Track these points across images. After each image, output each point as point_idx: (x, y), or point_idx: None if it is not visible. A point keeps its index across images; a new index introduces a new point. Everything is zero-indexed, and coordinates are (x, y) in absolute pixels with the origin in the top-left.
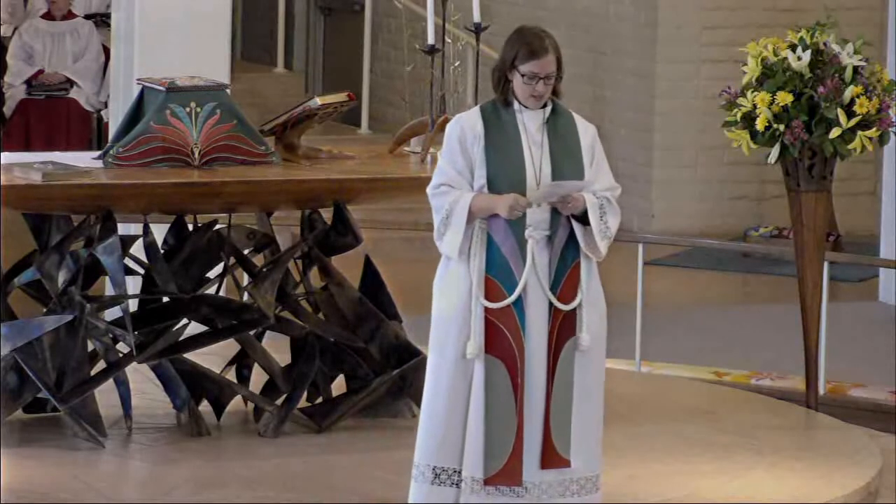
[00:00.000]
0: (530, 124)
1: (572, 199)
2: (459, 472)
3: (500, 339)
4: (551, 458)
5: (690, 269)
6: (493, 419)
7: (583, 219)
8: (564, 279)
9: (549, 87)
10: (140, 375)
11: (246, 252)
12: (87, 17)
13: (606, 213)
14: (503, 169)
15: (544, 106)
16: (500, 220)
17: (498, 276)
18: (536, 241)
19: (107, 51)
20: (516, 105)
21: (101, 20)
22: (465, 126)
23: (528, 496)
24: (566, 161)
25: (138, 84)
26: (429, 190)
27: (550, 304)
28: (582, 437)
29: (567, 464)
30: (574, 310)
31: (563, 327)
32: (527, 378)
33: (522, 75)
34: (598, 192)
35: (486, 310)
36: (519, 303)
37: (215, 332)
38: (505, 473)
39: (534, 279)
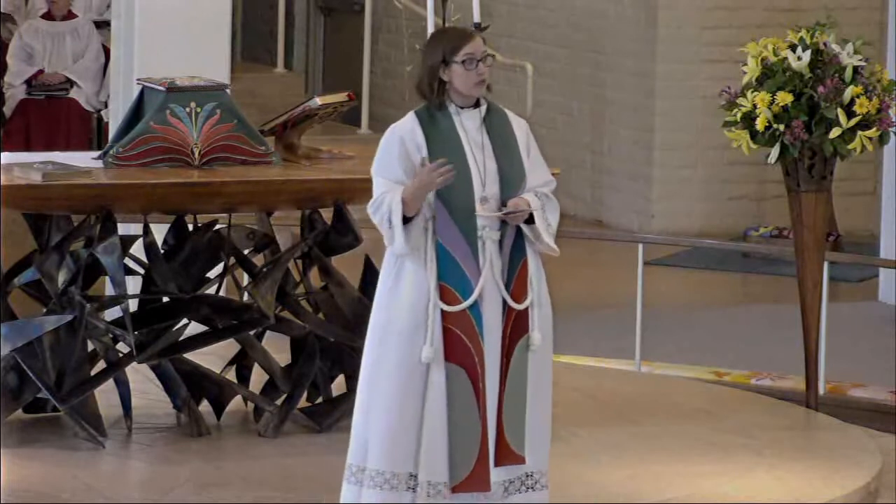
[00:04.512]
0: (469, 125)
1: (517, 209)
2: (415, 477)
3: (459, 345)
4: (505, 455)
5: (690, 269)
6: (457, 427)
7: (527, 219)
8: (515, 278)
9: (488, 69)
10: (140, 375)
11: (246, 252)
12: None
13: (547, 210)
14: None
15: (478, 105)
16: (451, 226)
17: (452, 282)
18: (493, 241)
19: (107, 51)
20: (452, 108)
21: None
22: (405, 136)
23: (485, 496)
24: (508, 159)
25: (138, 84)
26: (369, 207)
27: (504, 303)
28: (534, 434)
29: (522, 460)
30: (526, 309)
31: (515, 326)
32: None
33: (462, 62)
34: (537, 189)
35: (443, 315)
36: (475, 306)
37: (215, 332)
38: (473, 480)
39: (490, 280)
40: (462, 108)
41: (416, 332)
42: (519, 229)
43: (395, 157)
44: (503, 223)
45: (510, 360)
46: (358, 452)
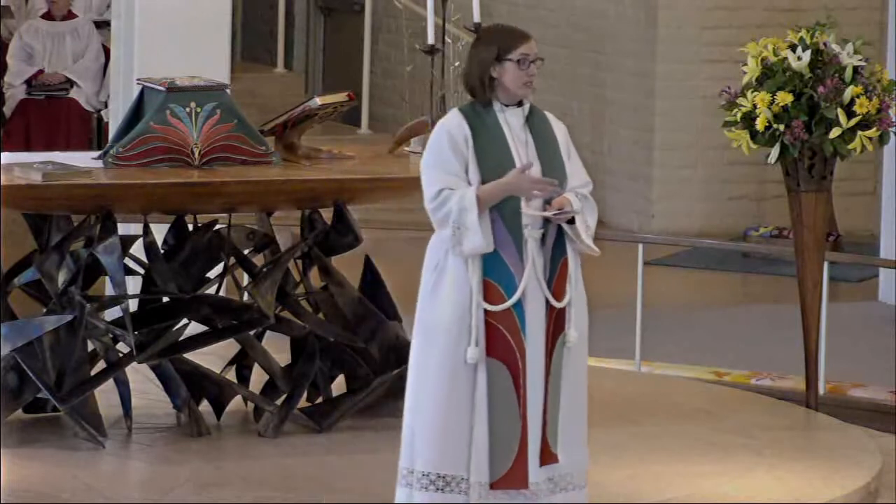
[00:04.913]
0: (513, 122)
1: (562, 209)
2: (466, 480)
3: (501, 341)
4: (549, 455)
5: (690, 269)
6: (498, 422)
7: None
8: (556, 276)
9: (538, 70)
10: (140, 375)
11: (246, 252)
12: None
13: (585, 211)
14: (495, 170)
15: (520, 104)
16: (498, 223)
17: (497, 279)
18: (535, 239)
19: (107, 51)
20: (496, 105)
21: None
22: (453, 130)
23: (531, 496)
24: (550, 159)
25: (138, 84)
26: (428, 203)
27: (546, 301)
28: (571, 433)
29: (556, 459)
30: (565, 307)
31: (556, 324)
32: (528, 377)
33: (517, 61)
34: (577, 189)
35: (486, 313)
36: (519, 304)
37: (215, 332)
38: (510, 476)
39: (533, 278)
40: (506, 105)
41: (459, 332)
42: (560, 228)
43: (446, 148)
44: (546, 222)
45: (552, 359)
46: (407, 454)
